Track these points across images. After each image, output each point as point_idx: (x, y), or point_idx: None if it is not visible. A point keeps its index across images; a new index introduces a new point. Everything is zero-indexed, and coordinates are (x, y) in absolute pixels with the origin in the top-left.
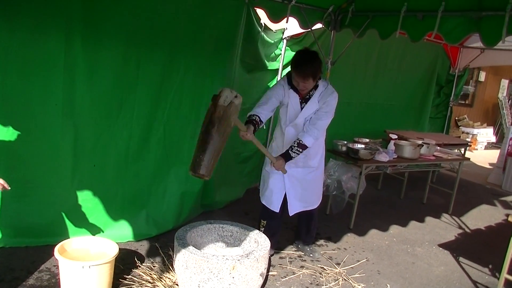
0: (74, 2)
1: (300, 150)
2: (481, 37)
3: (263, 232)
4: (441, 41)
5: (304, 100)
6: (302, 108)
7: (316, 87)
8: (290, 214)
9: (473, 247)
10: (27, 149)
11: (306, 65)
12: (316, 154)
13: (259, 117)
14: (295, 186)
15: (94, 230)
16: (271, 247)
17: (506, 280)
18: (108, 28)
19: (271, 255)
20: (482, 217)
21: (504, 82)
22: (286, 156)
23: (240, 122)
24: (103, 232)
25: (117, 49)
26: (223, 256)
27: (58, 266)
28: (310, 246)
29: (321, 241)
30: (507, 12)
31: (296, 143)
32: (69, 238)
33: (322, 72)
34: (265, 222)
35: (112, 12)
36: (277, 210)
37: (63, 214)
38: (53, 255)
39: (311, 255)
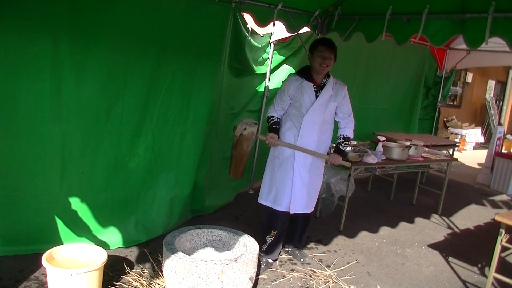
0: (61, 8)
1: (347, 143)
2: (465, 39)
3: (270, 242)
4: (428, 43)
5: (319, 87)
6: (317, 96)
7: (328, 75)
8: (291, 212)
9: (462, 247)
10: (13, 156)
11: (333, 43)
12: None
13: (279, 120)
14: (302, 188)
15: (83, 237)
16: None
17: (495, 279)
18: (95, 34)
19: (275, 260)
20: (471, 217)
21: (491, 83)
22: (339, 151)
23: (262, 136)
24: (92, 239)
25: (105, 54)
26: (212, 260)
27: (46, 274)
28: (300, 251)
29: (311, 244)
30: (490, 14)
31: (342, 138)
32: (57, 245)
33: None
34: (275, 232)
35: (99, 18)
36: (286, 209)
37: (52, 222)
38: (41, 263)
39: (302, 259)
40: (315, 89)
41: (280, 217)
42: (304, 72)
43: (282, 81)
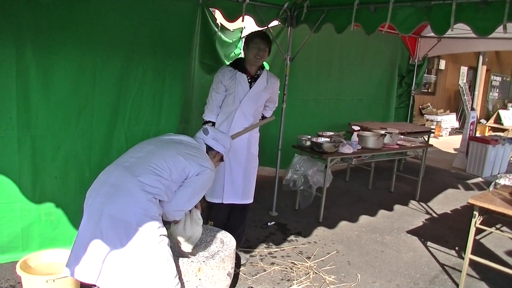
0: (24, 9)
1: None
2: (431, 26)
3: None
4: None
5: (253, 78)
6: (251, 87)
7: (262, 67)
8: (224, 202)
9: (440, 231)
10: None
11: (269, 37)
12: (256, 140)
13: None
14: (236, 175)
15: (59, 243)
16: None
17: (471, 260)
18: (60, 36)
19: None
20: (448, 201)
21: (464, 69)
22: None
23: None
24: (69, 244)
25: (72, 56)
26: (188, 258)
27: (22, 283)
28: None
29: (291, 237)
30: (454, 0)
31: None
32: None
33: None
34: (212, 222)
35: (64, 19)
36: (221, 200)
37: (26, 229)
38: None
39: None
40: (249, 80)
41: (216, 209)
42: (237, 64)
43: (214, 75)
